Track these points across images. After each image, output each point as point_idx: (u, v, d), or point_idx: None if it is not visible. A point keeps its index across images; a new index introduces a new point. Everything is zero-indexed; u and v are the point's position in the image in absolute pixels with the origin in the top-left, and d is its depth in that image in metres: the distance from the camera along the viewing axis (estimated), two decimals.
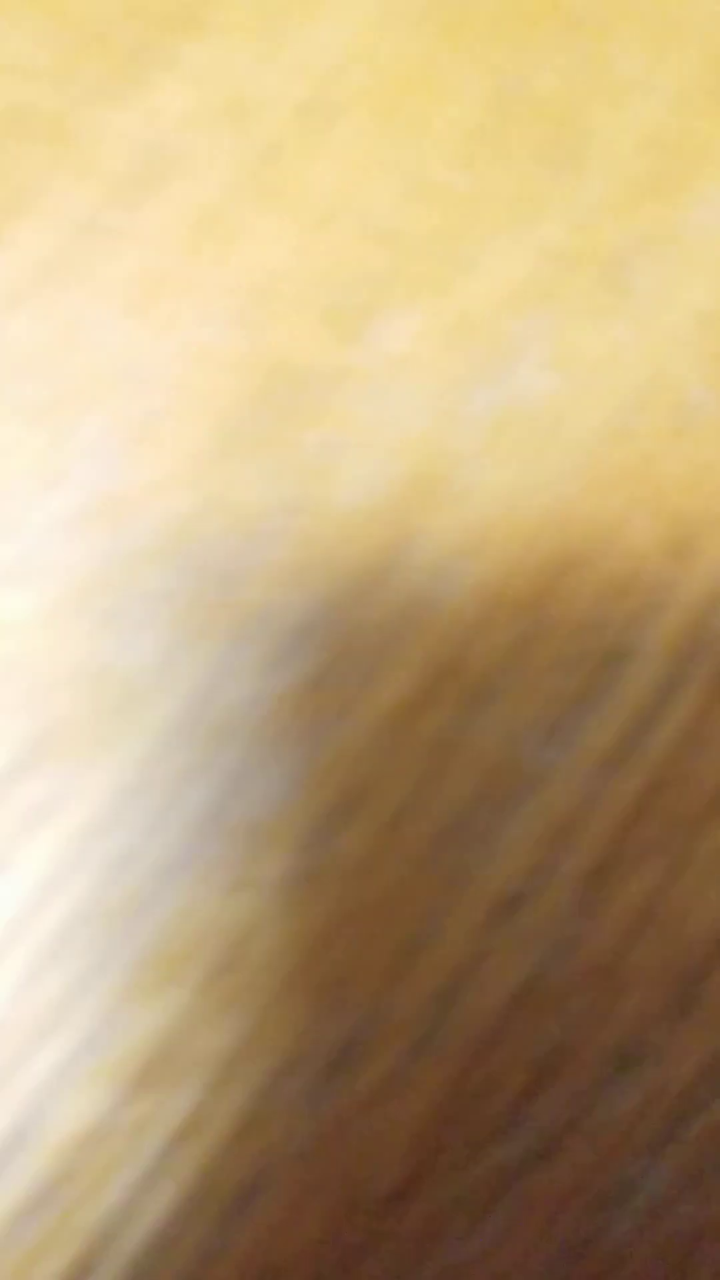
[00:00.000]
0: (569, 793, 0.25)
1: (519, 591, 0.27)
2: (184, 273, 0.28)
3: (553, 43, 0.30)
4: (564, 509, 0.27)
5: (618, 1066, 0.24)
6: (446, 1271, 0.23)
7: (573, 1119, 0.24)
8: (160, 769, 0.25)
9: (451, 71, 0.30)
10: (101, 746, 0.25)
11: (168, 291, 0.28)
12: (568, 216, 0.29)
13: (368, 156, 0.29)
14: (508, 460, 0.27)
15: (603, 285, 0.29)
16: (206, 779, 0.25)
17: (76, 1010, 0.24)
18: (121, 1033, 0.24)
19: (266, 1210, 0.23)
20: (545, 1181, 0.24)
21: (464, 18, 0.30)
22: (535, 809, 0.25)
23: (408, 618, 0.26)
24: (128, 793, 0.25)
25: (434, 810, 0.25)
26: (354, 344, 0.28)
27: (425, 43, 0.30)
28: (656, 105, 0.30)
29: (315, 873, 0.25)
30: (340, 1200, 0.23)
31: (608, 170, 0.29)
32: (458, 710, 0.26)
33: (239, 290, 0.28)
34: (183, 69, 0.29)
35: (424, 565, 0.27)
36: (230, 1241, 0.23)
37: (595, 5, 0.31)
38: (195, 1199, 0.23)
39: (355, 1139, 0.24)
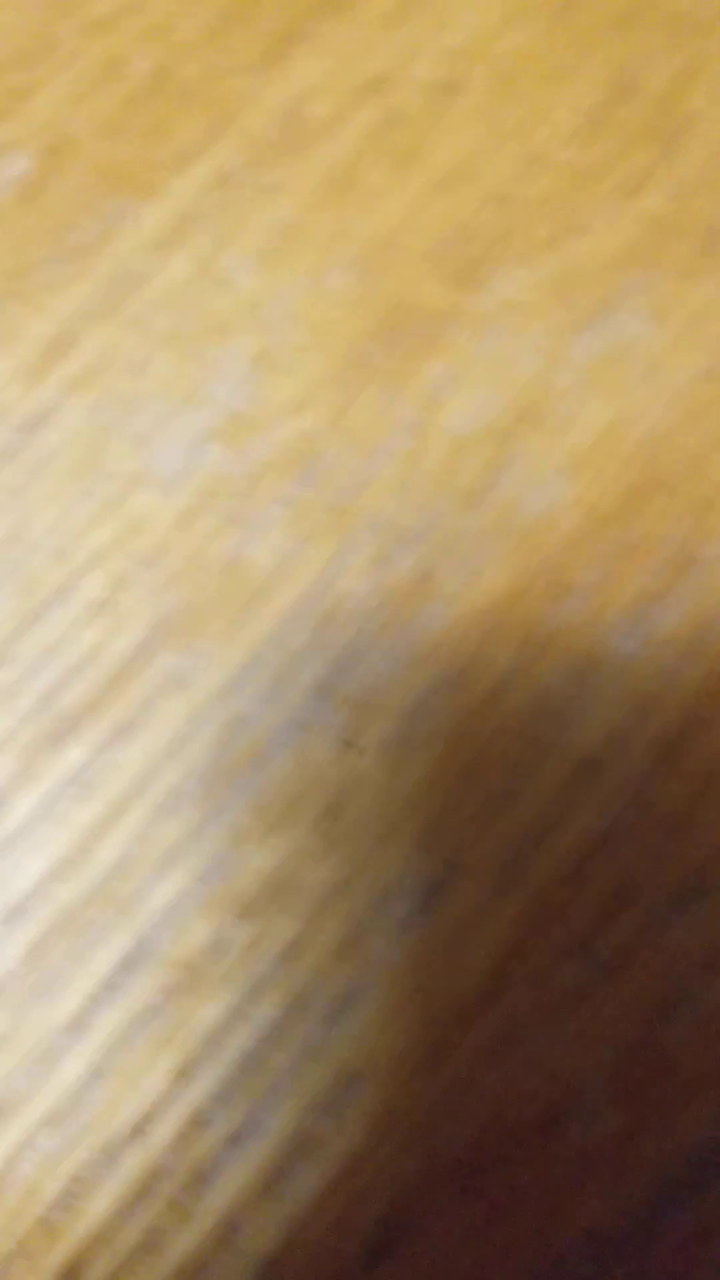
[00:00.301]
0: (648, 677, 0.31)
1: (609, 507, 0.33)
2: (316, 224, 0.35)
3: (661, 40, 0.37)
4: (655, 440, 0.33)
5: (683, 900, 0.29)
6: (520, 1066, 0.29)
7: (640, 943, 0.29)
8: (278, 648, 0.31)
9: (568, 60, 0.37)
10: (226, 627, 0.31)
11: (300, 240, 0.35)
12: (667, 189, 0.36)
13: (487, 130, 0.36)
14: (606, 396, 0.34)
15: (698, 249, 0.35)
16: (319, 658, 0.31)
17: (193, 850, 0.30)
18: (234, 869, 0.30)
19: (359, 1019, 0.29)
20: (613, 993, 0.28)
21: (583, 14, 0.38)
22: (617, 689, 0.31)
23: (506, 526, 0.32)
24: (248, 667, 0.31)
25: (525, 687, 0.31)
26: (469, 290, 0.35)
27: (545, 33, 0.37)
28: None
29: (415, 737, 0.31)
30: (427, 1011, 0.29)
31: (706, 151, 0.36)
32: (548, 604, 0.32)
33: (366, 240, 0.35)
34: (320, 45, 0.36)
35: (524, 481, 0.33)
36: (327, 1045, 0.28)
37: (701, 9, 0.38)
38: (296, 1007, 0.28)
39: (441, 960, 0.29)
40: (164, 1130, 0.26)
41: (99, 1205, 0.26)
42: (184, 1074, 0.27)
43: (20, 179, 0.33)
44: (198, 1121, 0.26)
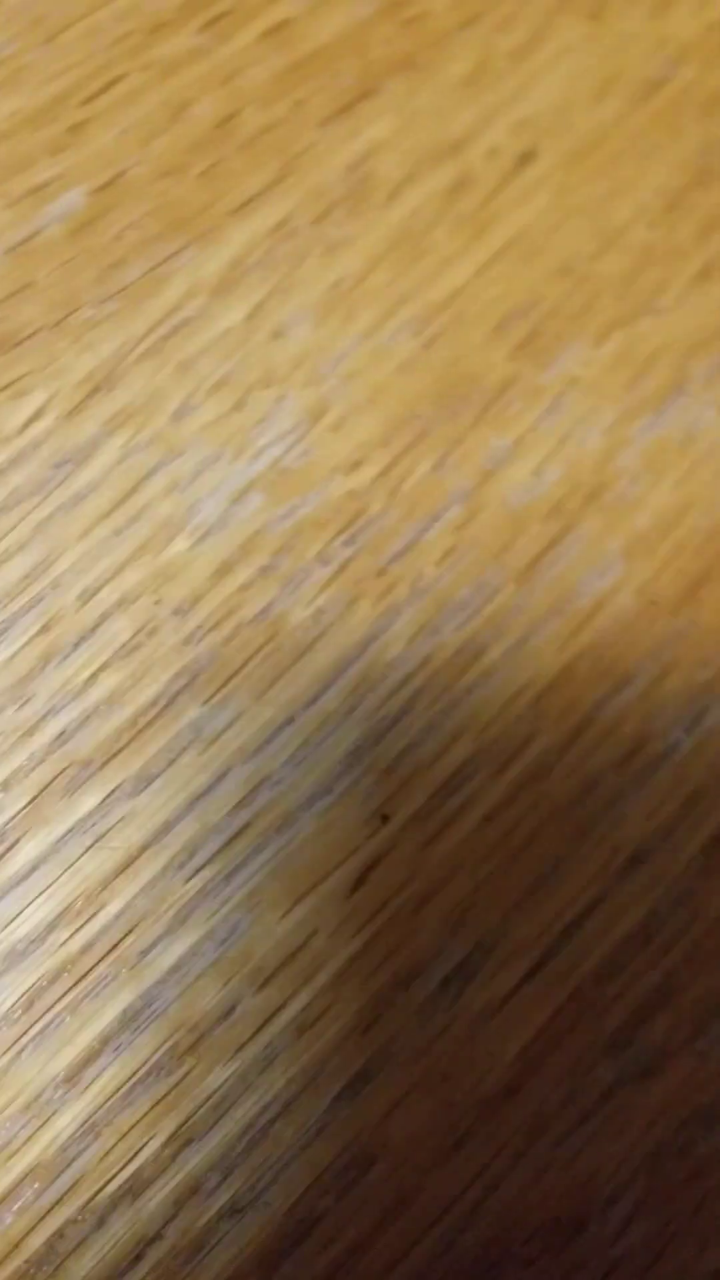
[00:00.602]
0: (701, 772, 0.34)
1: (669, 595, 0.35)
2: (377, 282, 0.38)
3: None
4: (715, 528, 0.37)
5: None
6: (545, 1165, 0.30)
7: (677, 1047, 0.30)
8: (311, 709, 0.34)
9: (652, 140, 0.40)
10: (258, 684, 0.33)
11: (360, 297, 0.37)
12: None
13: (561, 203, 0.39)
14: (670, 482, 0.36)
15: None
16: (354, 723, 0.34)
17: (208, 910, 0.31)
18: (250, 933, 0.31)
19: (373, 1099, 0.28)
20: (644, 1096, 0.29)
21: (670, 95, 0.42)
22: (667, 782, 0.33)
23: (560, 605, 0.35)
24: (278, 727, 0.33)
25: (571, 772, 0.34)
26: (533, 363, 0.38)
27: (629, 111, 0.40)
28: None
29: (446, 812, 0.33)
30: (447, 1097, 0.28)
31: None
32: (600, 689, 0.35)
33: (425, 303, 0.37)
34: (393, 103, 0.39)
35: (580, 561, 0.35)
36: (339, 1122, 0.30)
37: None
38: (308, 1081, 0.30)
39: (465, 1047, 0.30)
40: (158, 1195, 0.28)
41: (84, 1266, 0.27)
42: (184, 1139, 0.28)
43: (72, 213, 0.36)
44: (195, 1189, 0.28)
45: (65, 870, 0.30)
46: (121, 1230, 0.27)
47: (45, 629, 0.31)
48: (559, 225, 0.36)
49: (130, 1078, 0.28)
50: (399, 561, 0.32)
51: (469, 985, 0.29)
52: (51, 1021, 0.29)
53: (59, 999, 0.29)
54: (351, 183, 0.36)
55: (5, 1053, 0.28)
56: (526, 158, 0.37)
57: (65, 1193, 0.27)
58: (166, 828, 0.30)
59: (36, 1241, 0.27)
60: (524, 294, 0.35)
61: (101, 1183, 0.27)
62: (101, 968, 0.29)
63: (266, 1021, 0.29)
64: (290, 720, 0.31)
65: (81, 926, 0.30)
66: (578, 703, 0.31)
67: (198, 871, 0.30)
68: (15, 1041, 0.28)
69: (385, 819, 0.30)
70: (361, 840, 0.30)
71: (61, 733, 0.30)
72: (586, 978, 0.30)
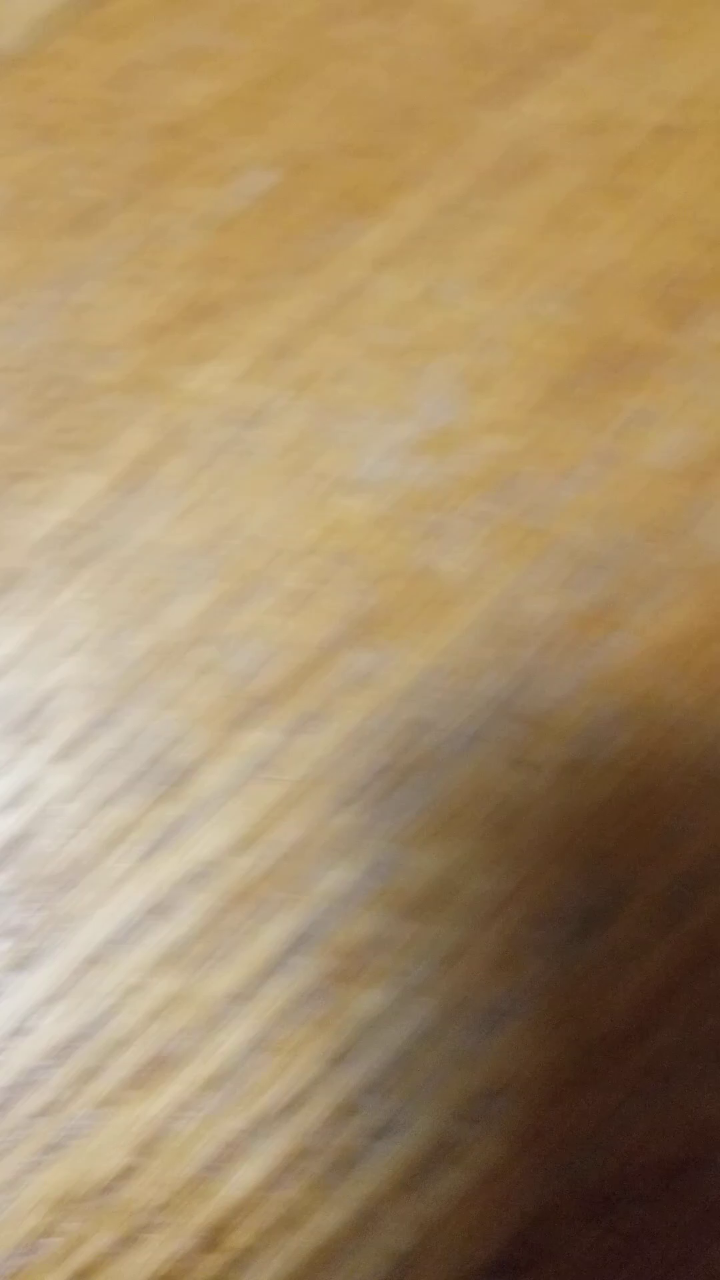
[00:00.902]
0: None
1: None
2: (534, 254, 0.34)
3: None
4: None
5: None
6: (664, 1107, 0.27)
7: None
8: (463, 658, 0.30)
9: None
10: (414, 632, 0.30)
11: (518, 268, 0.34)
12: None
13: (710, 173, 0.35)
14: None
15: None
16: (500, 672, 0.30)
17: (365, 844, 0.29)
18: (401, 868, 0.29)
19: (510, 1034, 0.26)
20: None
21: None
22: None
23: (698, 566, 0.31)
24: (431, 673, 0.30)
25: (706, 728, 0.30)
26: (679, 330, 0.33)
27: None
28: None
29: (589, 763, 0.30)
30: (577, 1036, 0.27)
31: None
32: None
33: (581, 273, 0.34)
34: (557, 84, 0.36)
35: (719, 524, 0.32)
36: (477, 1054, 0.27)
37: None
38: (451, 1012, 0.27)
39: (596, 988, 0.28)
40: (315, 1111, 0.26)
41: (247, 1174, 0.25)
42: (339, 1060, 0.26)
43: (268, 193, 0.33)
44: (347, 1108, 0.26)
45: (243, 800, 0.28)
46: (283, 1142, 0.25)
47: (231, 576, 0.28)
48: (708, 196, 0.31)
49: (293, 998, 0.25)
50: (545, 519, 0.28)
51: (603, 930, 0.26)
52: (226, 940, 0.26)
53: (233, 919, 0.26)
54: (513, 159, 0.31)
55: (187, 969, 0.25)
56: (677, 131, 0.32)
57: (234, 1104, 0.25)
58: (332, 765, 0.27)
59: (207, 1149, 0.25)
60: (672, 263, 0.31)
61: (266, 1097, 0.25)
62: (271, 892, 0.27)
63: (413, 952, 0.25)
64: (441, 668, 0.27)
65: (256, 853, 0.28)
66: (715, 662, 0.27)
67: (357, 806, 0.26)
68: (196, 958, 0.26)
69: (528, 766, 0.26)
70: (505, 785, 0.26)
71: (243, 673, 0.27)
72: (712, 927, 0.26)
